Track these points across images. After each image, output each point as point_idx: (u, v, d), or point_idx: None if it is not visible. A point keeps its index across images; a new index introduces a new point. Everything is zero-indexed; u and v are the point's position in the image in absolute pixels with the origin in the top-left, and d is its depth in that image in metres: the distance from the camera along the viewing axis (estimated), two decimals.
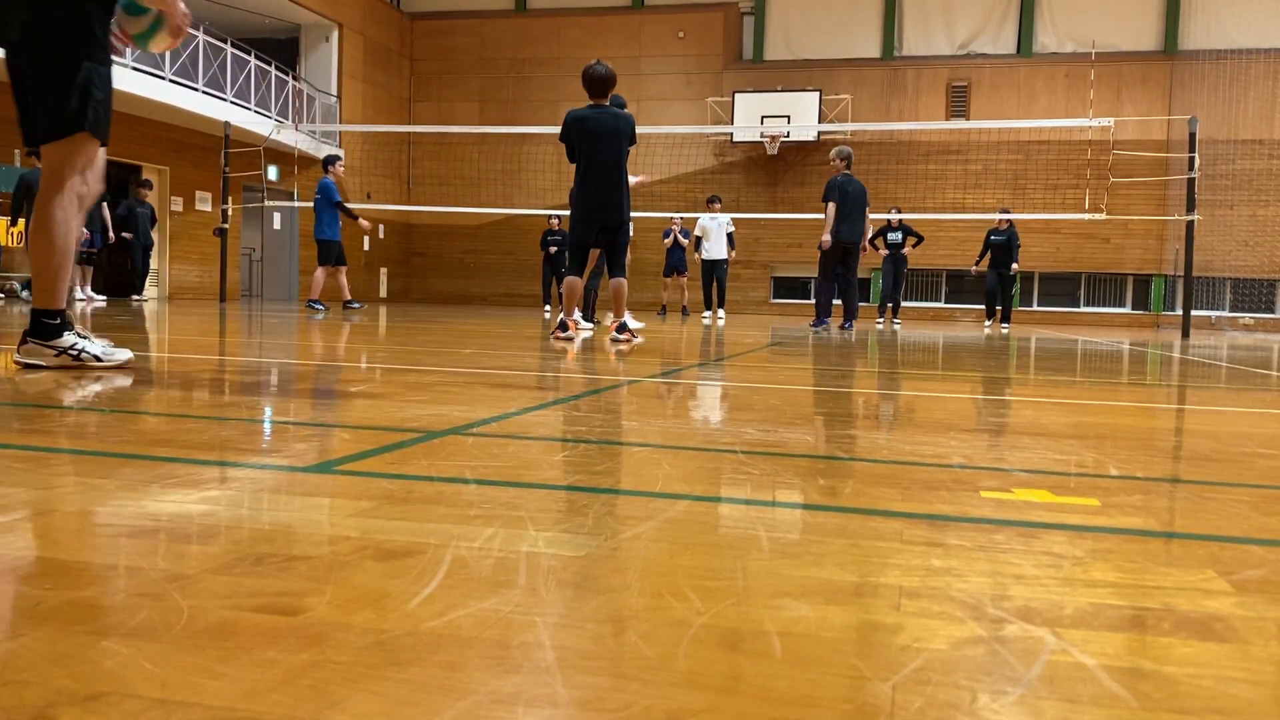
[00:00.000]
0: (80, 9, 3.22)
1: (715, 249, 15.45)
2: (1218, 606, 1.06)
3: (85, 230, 13.51)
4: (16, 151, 14.21)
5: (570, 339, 6.61)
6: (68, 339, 3.39)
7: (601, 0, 23.94)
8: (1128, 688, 0.82)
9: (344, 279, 13.22)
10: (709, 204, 15.58)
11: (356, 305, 13.19)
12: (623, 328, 6.61)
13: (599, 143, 6.57)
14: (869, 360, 5.86)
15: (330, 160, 13.24)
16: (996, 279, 14.83)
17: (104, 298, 14.30)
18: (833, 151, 10.96)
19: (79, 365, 3.39)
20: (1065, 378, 4.94)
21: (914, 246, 15.81)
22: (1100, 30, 21.21)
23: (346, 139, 21.81)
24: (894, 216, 15.71)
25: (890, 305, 16.10)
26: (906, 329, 13.59)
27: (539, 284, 23.46)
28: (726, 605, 1.01)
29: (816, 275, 10.81)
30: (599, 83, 6.64)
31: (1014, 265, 14.57)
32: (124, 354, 3.51)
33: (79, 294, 13.79)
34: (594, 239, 6.78)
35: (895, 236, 15.60)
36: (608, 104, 6.71)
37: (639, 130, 6.92)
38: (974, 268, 15.13)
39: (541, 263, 15.40)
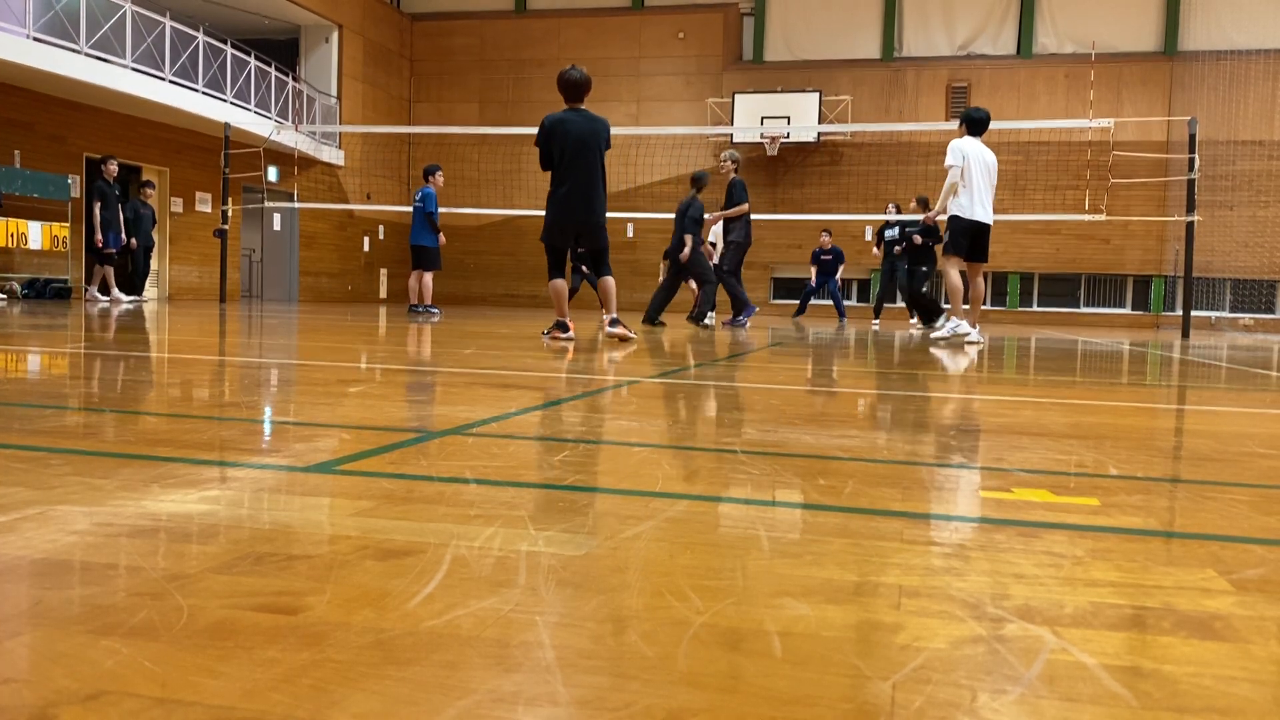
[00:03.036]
0: None
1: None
2: (1218, 606, 1.06)
3: (100, 236, 13.64)
4: (16, 152, 14.22)
5: (571, 339, 6.62)
6: None
7: (601, 0, 23.93)
8: (1128, 687, 0.82)
9: (428, 282, 13.29)
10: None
11: (420, 309, 13.28)
12: (616, 321, 6.71)
13: (581, 146, 6.57)
14: (867, 361, 5.86)
15: (431, 170, 13.41)
16: (907, 276, 14.67)
17: (134, 298, 14.28)
18: (726, 155, 11.28)
19: None
20: (1065, 378, 4.93)
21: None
22: (1100, 31, 21.20)
23: (346, 139, 21.81)
24: (891, 216, 15.57)
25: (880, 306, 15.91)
26: (882, 328, 13.58)
27: (541, 285, 23.48)
28: (726, 605, 1.01)
29: (725, 273, 11.05)
30: (575, 87, 6.69)
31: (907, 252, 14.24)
32: None
33: (97, 293, 13.82)
34: (572, 243, 6.79)
35: (893, 234, 15.47)
36: (583, 107, 6.74)
37: (638, 131, 6.97)
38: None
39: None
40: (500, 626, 0.92)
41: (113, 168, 14.00)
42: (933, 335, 9.01)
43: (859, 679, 0.82)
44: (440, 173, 13.64)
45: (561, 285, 6.84)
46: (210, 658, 0.82)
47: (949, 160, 8.45)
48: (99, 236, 13.77)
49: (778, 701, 0.77)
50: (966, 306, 8.70)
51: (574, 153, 6.57)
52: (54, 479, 1.55)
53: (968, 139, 8.53)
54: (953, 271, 8.67)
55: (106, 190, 13.83)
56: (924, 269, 13.93)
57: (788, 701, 0.77)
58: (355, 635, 0.88)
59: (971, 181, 8.43)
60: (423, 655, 0.84)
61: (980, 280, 8.72)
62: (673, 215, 16.86)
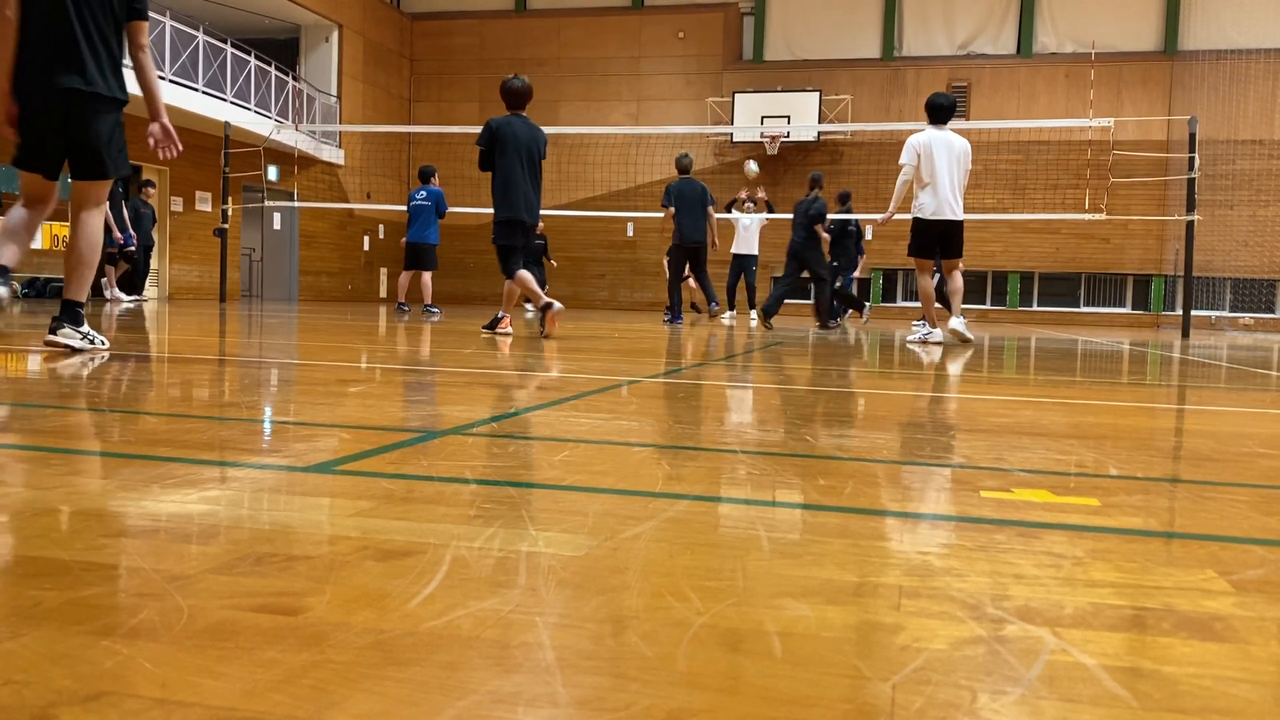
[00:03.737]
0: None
1: (747, 244, 14.91)
2: (1218, 606, 1.06)
3: (120, 233, 13.67)
4: None
5: (509, 334, 6.93)
6: (88, 327, 4.26)
7: (601, 0, 23.93)
8: (1128, 688, 0.82)
9: (427, 281, 13.42)
10: (744, 203, 15.31)
11: (407, 307, 13.38)
12: (495, 320, 7.23)
13: (525, 149, 6.95)
14: (867, 361, 5.86)
15: (434, 171, 13.46)
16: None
17: (134, 297, 14.26)
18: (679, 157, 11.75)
19: (92, 348, 4.20)
20: (1065, 378, 4.94)
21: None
22: (1100, 30, 21.21)
23: (346, 139, 21.81)
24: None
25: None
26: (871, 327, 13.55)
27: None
28: (726, 605, 1.01)
29: (669, 275, 11.59)
30: (517, 95, 7.07)
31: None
32: (105, 342, 4.33)
33: (107, 292, 13.83)
34: (521, 240, 7.13)
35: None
36: (524, 114, 7.10)
37: (638, 130, 7.16)
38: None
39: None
40: (500, 627, 0.92)
41: None
42: (907, 338, 8.64)
43: (859, 680, 0.82)
44: (434, 175, 13.66)
45: (529, 275, 7.13)
46: (210, 658, 0.82)
47: (902, 159, 7.90)
48: (118, 234, 13.73)
49: (778, 702, 0.77)
50: (956, 305, 8.52)
51: (521, 155, 6.93)
52: (54, 479, 1.55)
53: (930, 130, 7.89)
54: (924, 276, 8.23)
55: (113, 190, 13.85)
56: (835, 264, 13.75)
57: (788, 702, 0.77)
58: (355, 636, 0.88)
59: (935, 178, 7.78)
60: (423, 656, 0.84)
61: (958, 274, 8.28)
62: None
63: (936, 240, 7.97)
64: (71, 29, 4.05)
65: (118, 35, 4.19)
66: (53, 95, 4.04)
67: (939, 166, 7.77)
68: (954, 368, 5.40)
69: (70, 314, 4.16)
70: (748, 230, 14.97)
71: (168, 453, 1.82)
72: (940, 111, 7.94)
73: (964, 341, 8.12)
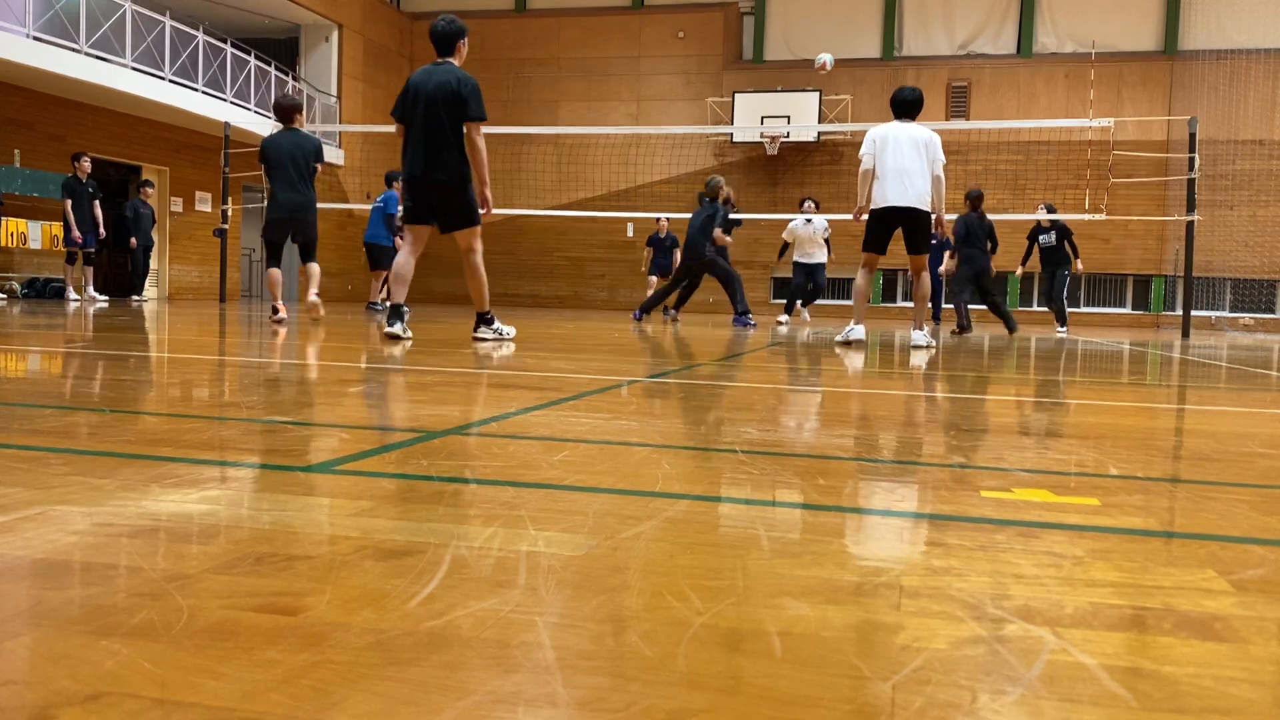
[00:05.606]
0: None
1: (818, 253, 14.49)
2: (1218, 606, 1.06)
3: (79, 232, 13.61)
4: (16, 152, 14.23)
5: (283, 319, 7.93)
6: (497, 324, 6.36)
7: (601, 0, 23.93)
8: (1128, 688, 0.82)
9: (379, 282, 13.88)
10: (801, 205, 14.74)
11: (379, 306, 13.66)
12: (316, 296, 8.56)
13: (290, 159, 8.14)
14: (869, 361, 5.86)
15: (395, 176, 13.78)
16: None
17: (105, 298, 14.29)
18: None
19: (500, 339, 6.21)
20: (1065, 378, 4.94)
21: (1075, 255, 13.59)
22: (1100, 30, 21.20)
23: (346, 139, 21.80)
24: (1044, 216, 13.78)
25: (1055, 311, 14.73)
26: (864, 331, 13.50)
27: (537, 284, 23.47)
28: (726, 605, 1.01)
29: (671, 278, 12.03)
30: (284, 111, 8.26)
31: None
32: (512, 330, 6.49)
33: (71, 295, 13.79)
34: (285, 239, 8.39)
35: (1048, 239, 13.72)
36: (298, 127, 8.29)
37: (638, 130, 7.22)
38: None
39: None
40: (500, 627, 0.92)
41: (85, 165, 13.86)
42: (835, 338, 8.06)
43: (859, 679, 0.82)
44: (400, 180, 13.84)
45: (276, 274, 8.35)
46: (210, 659, 0.82)
47: (861, 150, 7.60)
48: (76, 233, 13.63)
49: (778, 702, 0.77)
50: (918, 313, 8.06)
51: (279, 166, 8.14)
52: (54, 479, 1.55)
53: (891, 123, 7.55)
54: (861, 272, 7.76)
55: (78, 188, 13.67)
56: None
57: (788, 702, 0.77)
58: (355, 636, 0.88)
59: (882, 168, 7.44)
60: (423, 656, 0.84)
61: (925, 276, 7.70)
62: (675, 215, 16.88)
63: (889, 232, 7.57)
64: (419, 134, 5.98)
65: (455, 132, 5.99)
66: (416, 179, 6.04)
67: (887, 156, 7.45)
68: (953, 368, 5.40)
69: (480, 319, 6.29)
70: (812, 238, 14.60)
71: (168, 453, 1.82)
72: (900, 106, 7.60)
73: (919, 348, 7.41)
